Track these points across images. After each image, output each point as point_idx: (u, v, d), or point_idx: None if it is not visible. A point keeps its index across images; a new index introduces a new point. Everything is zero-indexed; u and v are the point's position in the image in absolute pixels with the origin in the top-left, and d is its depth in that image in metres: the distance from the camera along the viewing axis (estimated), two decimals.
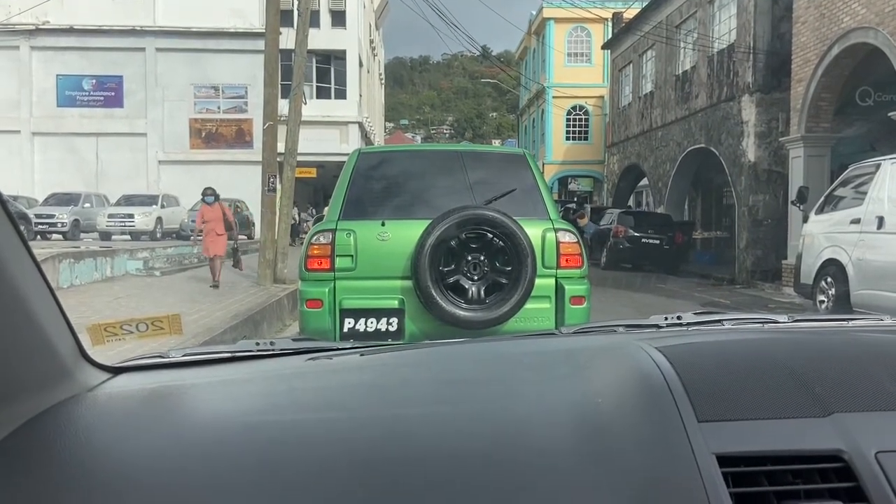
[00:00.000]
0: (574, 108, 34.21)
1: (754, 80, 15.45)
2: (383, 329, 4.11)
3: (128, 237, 20.49)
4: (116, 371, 1.15)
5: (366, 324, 4.12)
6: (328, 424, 0.89)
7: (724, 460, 0.75)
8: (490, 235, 4.08)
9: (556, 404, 0.89)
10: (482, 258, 4.14)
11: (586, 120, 34.33)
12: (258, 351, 1.30)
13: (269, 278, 10.46)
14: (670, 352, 0.94)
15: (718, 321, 1.39)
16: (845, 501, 0.74)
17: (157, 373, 1.19)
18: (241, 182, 23.59)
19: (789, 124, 14.04)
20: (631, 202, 28.01)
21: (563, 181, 35.24)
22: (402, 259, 4.12)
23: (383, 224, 4.25)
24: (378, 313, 4.13)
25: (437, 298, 4.00)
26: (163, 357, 1.26)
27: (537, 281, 4.11)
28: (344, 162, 4.81)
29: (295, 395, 1.03)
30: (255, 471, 0.79)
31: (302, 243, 4.71)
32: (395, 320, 4.14)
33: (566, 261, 4.28)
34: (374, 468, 0.78)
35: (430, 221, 4.06)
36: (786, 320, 1.40)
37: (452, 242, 4.08)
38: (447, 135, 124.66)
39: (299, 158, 11.85)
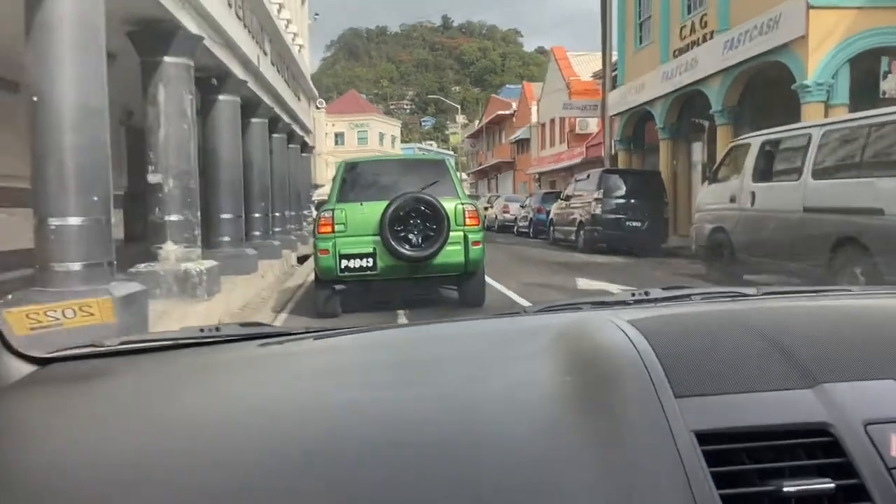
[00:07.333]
0: None
1: None
2: (364, 264, 7.25)
3: None
4: (44, 362, 1.09)
5: (353, 262, 7.25)
6: (279, 415, 0.84)
7: (703, 438, 0.71)
8: (424, 208, 7.24)
9: (524, 384, 0.85)
10: (419, 221, 7.26)
11: None
12: (203, 337, 1.22)
13: None
14: (643, 325, 0.90)
15: (687, 296, 1.35)
16: (833, 478, 0.68)
17: (90, 363, 1.12)
18: None
19: None
20: None
21: (863, 63, 11.80)
22: (373, 224, 7.22)
23: (361, 204, 7.41)
24: (360, 255, 7.27)
25: (394, 245, 7.15)
26: (97, 346, 1.16)
27: (451, 233, 7.26)
28: None
29: (242, 385, 0.98)
30: (196, 467, 0.74)
31: None
32: (370, 259, 7.26)
33: (469, 221, 7.44)
34: (330, 458, 0.74)
35: (388, 201, 7.19)
36: (755, 293, 1.36)
37: (402, 213, 7.20)
38: (408, 111, 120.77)
39: None
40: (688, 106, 16.30)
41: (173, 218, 8.08)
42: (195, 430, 0.81)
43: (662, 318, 0.97)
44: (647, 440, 0.70)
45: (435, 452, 0.73)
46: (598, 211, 14.58)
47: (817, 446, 0.71)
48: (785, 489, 0.67)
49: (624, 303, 1.29)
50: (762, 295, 1.33)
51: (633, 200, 14.64)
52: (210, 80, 9.96)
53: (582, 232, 15.21)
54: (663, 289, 1.36)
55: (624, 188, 14.86)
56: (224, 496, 0.69)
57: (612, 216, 14.52)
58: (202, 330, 1.24)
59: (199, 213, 8.37)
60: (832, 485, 0.68)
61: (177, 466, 0.74)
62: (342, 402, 0.85)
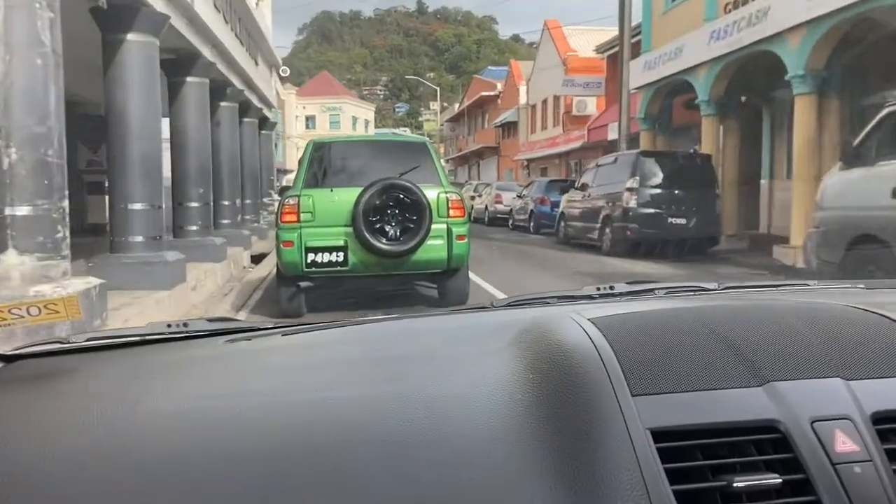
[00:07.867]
0: None
1: None
2: (333, 259, 6.44)
3: None
4: (8, 359, 1.09)
5: (322, 256, 6.42)
6: (247, 412, 0.84)
7: (658, 435, 0.72)
8: (402, 196, 6.46)
9: (487, 381, 0.85)
10: (398, 211, 6.50)
11: None
12: (170, 333, 1.23)
13: None
14: (603, 322, 0.91)
15: (650, 290, 1.38)
16: (781, 473, 0.71)
17: (56, 360, 1.11)
18: None
19: None
20: None
21: None
22: (345, 213, 6.44)
23: (331, 190, 6.61)
24: (330, 249, 6.45)
25: (369, 237, 6.37)
26: (63, 342, 1.16)
27: (434, 226, 6.51)
28: None
29: (211, 382, 0.98)
30: (162, 464, 0.74)
31: None
32: (340, 254, 6.45)
33: (454, 212, 6.69)
34: (298, 456, 0.75)
35: (362, 188, 6.40)
36: (715, 287, 1.40)
37: (378, 201, 6.42)
38: (381, 97, 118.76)
39: None
40: (743, 73, 13.14)
41: (20, 211, 4.91)
42: (162, 426, 0.81)
43: (622, 317, 0.97)
44: (605, 438, 0.71)
45: (398, 452, 0.73)
46: (632, 204, 11.55)
47: (767, 442, 0.73)
48: (735, 484, 0.69)
49: (589, 297, 1.35)
50: (722, 289, 1.39)
51: (676, 191, 11.62)
52: (100, 7, 6.69)
53: (609, 230, 12.16)
54: (627, 283, 1.42)
55: (662, 175, 11.85)
56: (191, 492, 0.69)
57: (651, 210, 11.49)
58: (169, 325, 1.25)
59: (65, 202, 5.18)
60: (779, 480, 0.70)
61: (143, 463, 0.74)
62: (306, 401, 0.86)
